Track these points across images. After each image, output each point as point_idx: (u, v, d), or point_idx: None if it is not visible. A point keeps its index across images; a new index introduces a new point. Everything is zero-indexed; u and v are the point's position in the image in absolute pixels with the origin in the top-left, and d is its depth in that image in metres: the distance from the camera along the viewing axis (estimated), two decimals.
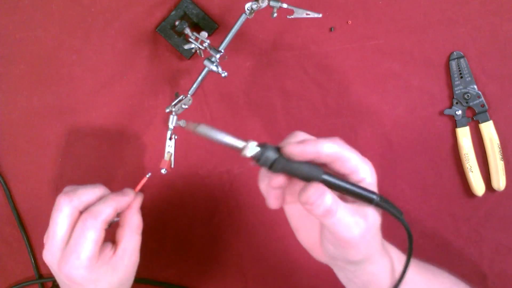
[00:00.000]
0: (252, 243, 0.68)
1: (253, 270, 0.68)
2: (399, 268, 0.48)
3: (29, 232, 0.70)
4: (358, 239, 0.40)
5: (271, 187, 0.41)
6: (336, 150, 0.40)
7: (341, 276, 0.49)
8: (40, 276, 0.70)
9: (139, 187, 0.51)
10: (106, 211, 0.46)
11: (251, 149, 0.38)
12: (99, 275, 0.47)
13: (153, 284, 0.68)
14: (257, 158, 0.39)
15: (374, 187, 0.43)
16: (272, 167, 0.39)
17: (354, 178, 0.42)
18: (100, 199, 0.48)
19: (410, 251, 0.45)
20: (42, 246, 0.69)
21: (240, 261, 0.68)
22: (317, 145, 0.40)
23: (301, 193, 0.39)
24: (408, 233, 0.44)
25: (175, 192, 0.67)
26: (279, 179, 0.41)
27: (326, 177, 0.40)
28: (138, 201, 0.51)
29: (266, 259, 0.68)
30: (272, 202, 0.42)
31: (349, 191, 0.41)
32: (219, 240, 0.68)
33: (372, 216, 0.42)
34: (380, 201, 0.41)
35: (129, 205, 0.50)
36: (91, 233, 0.45)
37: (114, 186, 0.67)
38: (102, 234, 0.46)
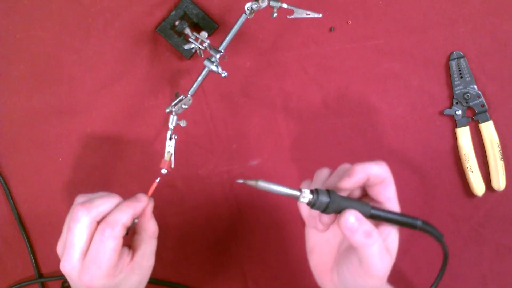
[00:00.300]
0: (252, 243, 0.68)
1: (253, 270, 0.68)
2: None
3: (29, 232, 0.70)
4: (384, 274, 0.43)
5: (320, 223, 0.45)
6: (382, 172, 0.44)
7: None
8: (40, 275, 0.70)
9: (150, 191, 0.51)
10: (123, 219, 0.46)
11: (306, 196, 0.42)
12: (118, 281, 0.47)
13: (152, 283, 0.68)
14: (312, 204, 0.42)
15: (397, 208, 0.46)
16: (327, 209, 0.42)
17: (390, 204, 0.45)
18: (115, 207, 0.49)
19: (443, 271, 0.49)
20: (42, 246, 0.70)
21: (240, 261, 0.68)
22: (365, 168, 0.43)
23: (343, 219, 0.42)
24: (445, 255, 0.48)
25: (175, 192, 0.67)
26: (330, 218, 0.44)
27: (374, 211, 0.44)
28: (150, 207, 0.51)
29: (266, 259, 0.68)
30: (323, 223, 0.45)
31: (394, 221, 0.44)
32: (219, 240, 0.68)
33: (394, 255, 0.45)
34: (423, 225, 0.45)
35: (143, 210, 0.50)
36: (110, 242, 0.45)
37: (114, 186, 0.67)
38: (120, 242, 0.46)
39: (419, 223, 0.45)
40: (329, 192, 0.43)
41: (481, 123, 0.63)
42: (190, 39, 0.59)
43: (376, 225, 0.44)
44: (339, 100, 0.65)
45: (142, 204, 0.49)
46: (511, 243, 0.64)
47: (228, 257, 0.68)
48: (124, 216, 0.47)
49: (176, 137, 0.56)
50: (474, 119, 0.63)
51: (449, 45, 0.63)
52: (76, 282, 0.46)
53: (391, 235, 0.45)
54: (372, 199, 0.46)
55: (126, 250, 0.49)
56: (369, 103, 0.65)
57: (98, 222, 0.47)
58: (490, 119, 0.63)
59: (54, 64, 0.67)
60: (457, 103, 0.63)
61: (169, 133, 0.55)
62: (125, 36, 0.66)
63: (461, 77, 0.63)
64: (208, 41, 0.58)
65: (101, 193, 0.49)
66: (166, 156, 0.54)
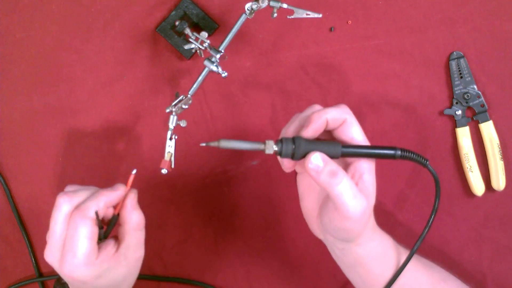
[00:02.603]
0: (252, 243, 0.68)
1: (253, 270, 0.68)
2: (391, 254, 0.51)
3: (29, 232, 0.70)
4: (358, 217, 0.44)
5: (284, 167, 0.47)
6: (340, 115, 0.45)
7: (332, 253, 0.52)
8: (41, 274, 0.70)
9: (129, 183, 0.50)
10: (93, 206, 0.46)
11: (270, 147, 0.44)
12: (101, 271, 0.46)
13: (149, 278, 0.68)
14: (279, 153, 0.44)
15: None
16: (294, 157, 0.44)
17: (357, 142, 0.46)
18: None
19: (438, 198, 0.49)
20: (42, 245, 0.69)
21: (240, 261, 0.68)
22: (321, 114, 0.44)
23: (307, 161, 0.44)
24: (435, 180, 0.48)
25: (175, 192, 0.67)
26: (291, 164, 0.46)
27: (345, 149, 0.45)
28: (132, 198, 0.50)
29: (266, 259, 0.68)
30: (285, 168, 0.47)
31: (370, 154, 0.45)
32: (219, 240, 0.68)
33: (371, 198, 0.45)
34: (403, 152, 0.45)
35: (120, 200, 0.49)
36: (82, 229, 0.45)
37: None
38: (95, 230, 0.46)
39: (398, 151, 0.45)
40: (294, 138, 0.44)
41: (481, 123, 0.63)
42: (190, 39, 0.59)
43: (348, 166, 0.46)
44: (339, 100, 0.65)
45: (118, 192, 0.48)
46: (511, 243, 0.64)
47: (228, 256, 0.68)
48: (95, 203, 0.46)
49: (176, 137, 0.56)
50: (474, 119, 0.63)
51: (449, 45, 0.63)
52: (59, 272, 0.46)
53: (365, 175, 0.45)
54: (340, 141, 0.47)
55: (112, 241, 0.48)
56: (369, 103, 0.65)
57: None
58: (490, 119, 0.63)
59: (54, 64, 0.67)
60: (457, 103, 0.63)
61: (169, 133, 0.55)
62: (125, 36, 0.66)
63: (461, 77, 0.63)
64: (208, 41, 0.58)
65: (90, 186, 0.49)
66: (166, 156, 0.54)
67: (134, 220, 0.49)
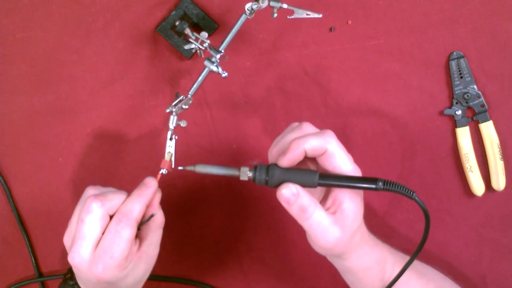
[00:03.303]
0: (252, 242, 0.68)
1: (253, 271, 0.68)
2: (382, 266, 0.51)
3: (29, 232, 0.70)
4: (330, 247, 0.44)
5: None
6: (320, 144, 0.44)
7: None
8: (41, 274, 0.70)
9: (157, 179, 0.51)
10: (137, 209, 0.47)
11: (244, 174, 0.44)
12: (128, 271, 0.47)
13: (152, 279, 0.68)
14: (253, 180, 0.44)
15: None
16: (268, 184, 0.44)
17: (342, 171, 0.45)
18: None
19: (427, 230, 0.46)
20: (42, 245, 0.70)
21: (240, 260, 0.68)
22: (300, 144, 0.43)
23: (278, 192, 0.44)
24: (424, 212, 0.44)
25: (175, 192, 0.67)
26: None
27: (322, 180, 0.43)
28: (158, 197, 0.51)
29: (266, 259, 0.68)
30: None
31: (348, 186, 0.43)
32: (219, 240, 0.68)
33: (351, 226, 0.45)
34: (384, 185, 0.43)
35: (152, 201, 0.50)
36: (126, 232, 0.45)
37: (115, 186, 0.66)
38: (135, 233, 0.47)
39: (380, 183, 0.43)
40: (269, 166, 0.44)
41: (481, 123, 0.63)
42: (190, 39, 0.59)
43: (329, 193, 0.46)
44: (339, 100, 0.65)
45: (152, 189, 0.49)
46: (511, 243, 0.64)
47: (227, 256, 0.68)
48: (138, 205, 0.47)
49: (176, 137, 0.56)
50: (474, 119, 0.63)
51: (449, 45, 0.63)
52: (86, 273, 0.46)
53: (345, 203, 0.45)
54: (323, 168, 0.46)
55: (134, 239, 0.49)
56: (369, 103, 0.65)
57: (110, 216, 0.47)
58: (490, 119, 0.63)
59: (54, 64, 0.67)
60: (457, 103, 0.63)
61: (169, 133, 0.55)
62: (125, 36, 0.66)
63: (461, 77, 0.63)
64: (208, 41, 0.58)
65: (111, 188, 0.50)
66: (167, 156, 0.54)
67: (159, 218, 0.51)
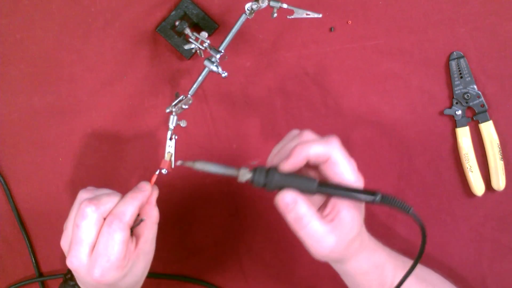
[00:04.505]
0: (251, 242, 0.68)
1: (253, 270, 0.68)
2: (380, 271, 0.50)
3: (29, 232, 0.70)
4: (325, 255, 0.44)
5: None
6: (324, 151, 0.43)
7: None
8: (41, 274, 0.70)
9: (153, 181, 0.51)
10: (130, 211, 0.47)
11: (243, 175, 0.44)
12: (127, 270, 0.47)
13: (149, 276, 0.68)
14: (251, 182, 0.44)
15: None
16: (266, 187, 0.44)
17: (343, 180, 0.44)
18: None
19: (423, 245, 0.45)
20: (42, 245, 0.70)
21: (240, 261, 0.68)
22: (304, 149, 0.43)
23: (276, 198, 0.44)
24: (421, 227, 0.44)
25: (175, 192, 0.67)
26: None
27: (320, 187, 0.43)
28: (155, 195, 0.51)
29: (265, 259, 0.68)
30: None
31: (347, 196, 0.43)
32: (219, 240, 0.68)
33: (348, 234, 0.45)
34: (382, 200, 0.42)
35: (148, 199, 0.50)
36: (119, 234, 0.45)
37: (115, 186, 0.67)
38: (128, 234, 0.47)
39: (378, 197, 0.42)
40: (269, 170, 0.43)
41: (481, 123, 0.63)
42: (190, 39, 0.59)
43: (329, 200, 0.45)
44: (339, 100, 0.65)
45: (146, 193, 0.50)
46: (510, 243, 0.64)
47: (227, 256, 0.68)
48: (130, 207, 0.47)
49: (176, 137, 0.56)
50: (474, 119, 0.63)
51: (449, 45, 0.63)
52: (85, 277, 0.46)
53: (343, 212, 0.44)
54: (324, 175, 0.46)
55: (130, 238, 0.49)
56: (369, 103, 0.65)
57: (105, 219, 0.47)
58: (490, 119, 0.63)
59: (54, 64, 0.67)
60: (457, 103, 0.63)
61: (169, 133, 0.56)
62: (125, 36, 0.66)
63: (461, 77, 0.63)
64: (208, 41, 0.58)
65: (104, 190, 0.50)
66: (167, 156, 0.54)
67: (154, 215, 0.51)
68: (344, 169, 0.44)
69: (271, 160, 0.47)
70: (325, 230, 0.44)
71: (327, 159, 0.44)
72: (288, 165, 0.43)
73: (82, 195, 0.48)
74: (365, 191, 0.43)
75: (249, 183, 0.44)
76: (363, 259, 0.49)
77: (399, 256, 0.54)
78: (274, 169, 0.44)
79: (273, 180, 0.43)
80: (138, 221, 0.49)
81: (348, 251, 0.47)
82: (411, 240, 0.65)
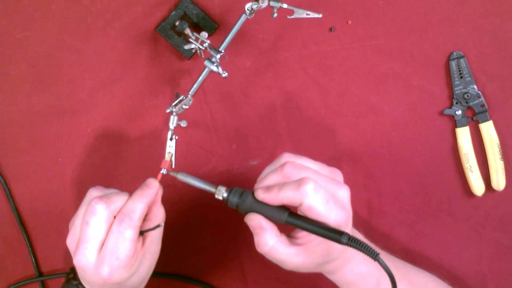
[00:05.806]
0: (251, 242, 0.68)
1: (253, 270, 0.68)
2: (372, 280, 0.51)
3: (29, 231, 0.70)
4: (290, 269, 0.47)
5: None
6: (295, 198, 0.43)
7: None
8: (41, 274, 0.70)
9: (158, 179, 0.51)
10: (139, 209, 0.47)
11: (220, 193, 0.47)
12: (134, 269, 0.47)
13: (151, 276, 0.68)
14: (226, 201, 0.47)
15: (345, 226, 0.44)
16: (238, 208, 0.46)
17: (314, 216, 0.44)
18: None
19: None
20: (42, 245, 0.70)
21: (240, 261, 0.68)
22: (279, 196, 0.44)
23: (245, 218, 0.46)
24: (388, 274, 0.42)
25: (175, 192, 0.67)
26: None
27: (290, 219, 0.45)
28: (160, 194, 0.51)
29: (265, 259, 0.68)
30: None
31: (315, 231, 0.44)
32: (219, 240, 0.68)
33: (317, 259, 0.46)
34: (349, 241, 0.42)
35: (156, 196, 0.50)
36: (129, 232, 0.45)
37: (115, 186, 0.66)
38: (138, 232, 0.47)
39: (344, 238, 0.42)
40: (243, 193, 0.46)
41: (481, 123, 0.63)
42: (190, 39, 0.59)
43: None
44: (339, 100, 0.65)
45: (154, 189, 0.50)
46: (511, 243, 0.64)
47: (227, 256, 0.68)
48: (139, 204, 0.47)
49: (176, 137, 0.56)
50: (474, 119, 0.63)
51: (449, 45, 0.63)
52: (93, 275, 0.46)
53: (314, 241, 0.45)
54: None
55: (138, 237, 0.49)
56: (369, 103, 0.65)
57: (115, 217, 0.47)
58: (490, 119, 0.63)
59: (54, 64, 0.67)
60: (457, 103, 0.63)
61: (169, 133, 0.56)
62: (125, 36, 0.66)
63: (461, 77, 0.63)
64: (208, 41, 0.58)
65: (114, 190, 0.50)
66: (167, 157, 0.54)
67: (161, 215, 0.51)
68: (317, 214, 0.43)
69: (258, 181, 0.48)
70: (290, 252, 0.45)
71: (300, 204, 0.44)
72: (262, 197, 0.45)
73: (92, 192, 0.48)
74: (333, 230, 0.43)
75: (224, 202, 0.47)
76: (348, 271, 0.50)
77: (394, 259, 0.54)
78: (248, 192, 0.46)
79: (245, 203, 0.45)
80: (155, 226, 0.49)
81: (325, 268, 0.48)
82: (409, 238, 0.65)
